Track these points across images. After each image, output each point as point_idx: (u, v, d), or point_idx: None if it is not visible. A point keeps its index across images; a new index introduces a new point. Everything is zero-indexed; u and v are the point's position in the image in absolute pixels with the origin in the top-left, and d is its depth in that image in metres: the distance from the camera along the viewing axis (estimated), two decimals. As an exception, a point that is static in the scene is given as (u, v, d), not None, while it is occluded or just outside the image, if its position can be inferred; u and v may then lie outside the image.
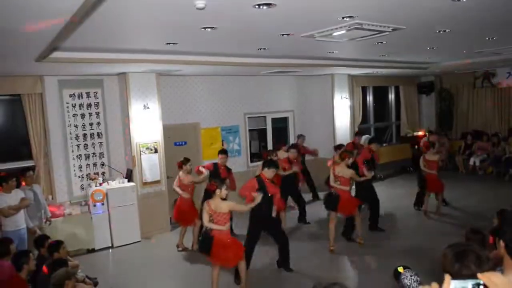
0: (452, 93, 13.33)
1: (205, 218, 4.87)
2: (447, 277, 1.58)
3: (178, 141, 8.51)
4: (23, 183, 6.15)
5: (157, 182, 7.65)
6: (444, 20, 4.74)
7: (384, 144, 12.91)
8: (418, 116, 13.77)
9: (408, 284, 3.19)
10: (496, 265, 2.23)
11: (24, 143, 7.14)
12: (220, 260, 4.92)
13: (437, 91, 13.62)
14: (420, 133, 12.40)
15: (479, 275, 1.55)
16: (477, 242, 3.35)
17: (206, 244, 4.87)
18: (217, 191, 4.84)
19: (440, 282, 1.67)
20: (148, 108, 7.46)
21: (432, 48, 7.16)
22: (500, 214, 4.28)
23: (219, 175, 6.64)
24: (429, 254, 5.89)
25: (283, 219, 7.34)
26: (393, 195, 9.52)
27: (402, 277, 3.24)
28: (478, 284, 1.50)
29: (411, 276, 3.26)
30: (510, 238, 2.07)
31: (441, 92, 13.54)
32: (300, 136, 9.34)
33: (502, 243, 2.13)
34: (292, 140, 10.32)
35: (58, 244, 4.90)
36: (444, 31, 5.39)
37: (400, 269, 3.41)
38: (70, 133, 7.34)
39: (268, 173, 5.51)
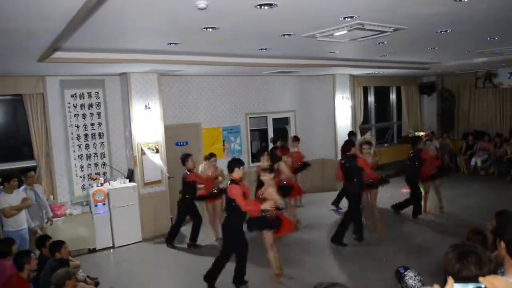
0: (454, 94, 13.32)
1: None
2: (449, 279, 1.58)
3: (179, 141, 8.52)
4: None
5: (159, 182, 7.66)
6: (446, 20, 4.73)
7: (385, 145, 12.91)
8: (420, 116, 13.76)
9: (413, 284, 3.19)
10: (497, 267, 2.22)
11: (25, 143, 7.16)
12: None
13: (439, 91, 13.61)
14: (422, 133, 12.36)
15: (481, 278, 1.54)
16: (477, 243, 3.35)
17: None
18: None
19: (441, 282, 1.67)
20: (149, 108, 7.46)
21: (434, 48, 7.15)
22: (500, 215, 4.25)
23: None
24: (430, 254, 5.90)
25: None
26: (394, 195, 9.49)
27: (407, 277, 3.24)
28: None
29: (415, 276, 3.26)
30: (511, 239, 2.06)
31: (442, 93, 13.53)
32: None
33: (502, 244, 2.12)
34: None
35: (60, 244, 4.92)
36: (446, 31, 5.38)
37: (402, 269, 3.41)
38: (72, 133, 7.35)
39: (239, 173, 5.22)
